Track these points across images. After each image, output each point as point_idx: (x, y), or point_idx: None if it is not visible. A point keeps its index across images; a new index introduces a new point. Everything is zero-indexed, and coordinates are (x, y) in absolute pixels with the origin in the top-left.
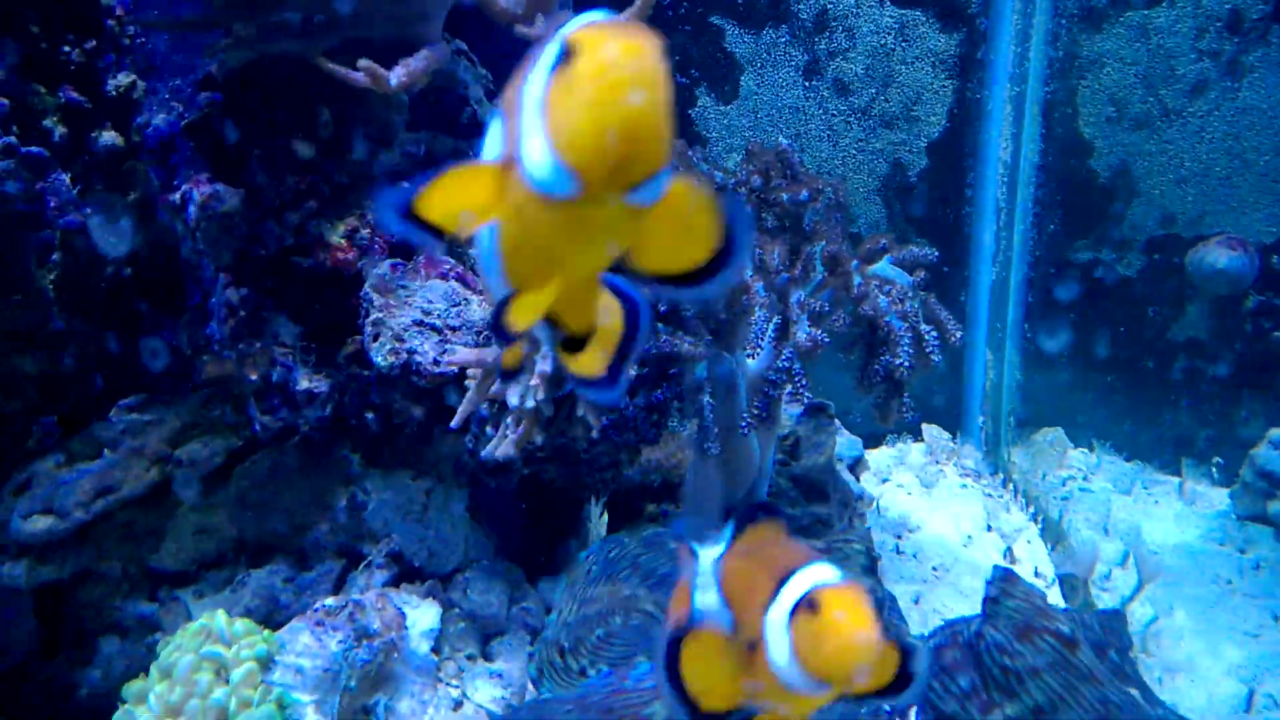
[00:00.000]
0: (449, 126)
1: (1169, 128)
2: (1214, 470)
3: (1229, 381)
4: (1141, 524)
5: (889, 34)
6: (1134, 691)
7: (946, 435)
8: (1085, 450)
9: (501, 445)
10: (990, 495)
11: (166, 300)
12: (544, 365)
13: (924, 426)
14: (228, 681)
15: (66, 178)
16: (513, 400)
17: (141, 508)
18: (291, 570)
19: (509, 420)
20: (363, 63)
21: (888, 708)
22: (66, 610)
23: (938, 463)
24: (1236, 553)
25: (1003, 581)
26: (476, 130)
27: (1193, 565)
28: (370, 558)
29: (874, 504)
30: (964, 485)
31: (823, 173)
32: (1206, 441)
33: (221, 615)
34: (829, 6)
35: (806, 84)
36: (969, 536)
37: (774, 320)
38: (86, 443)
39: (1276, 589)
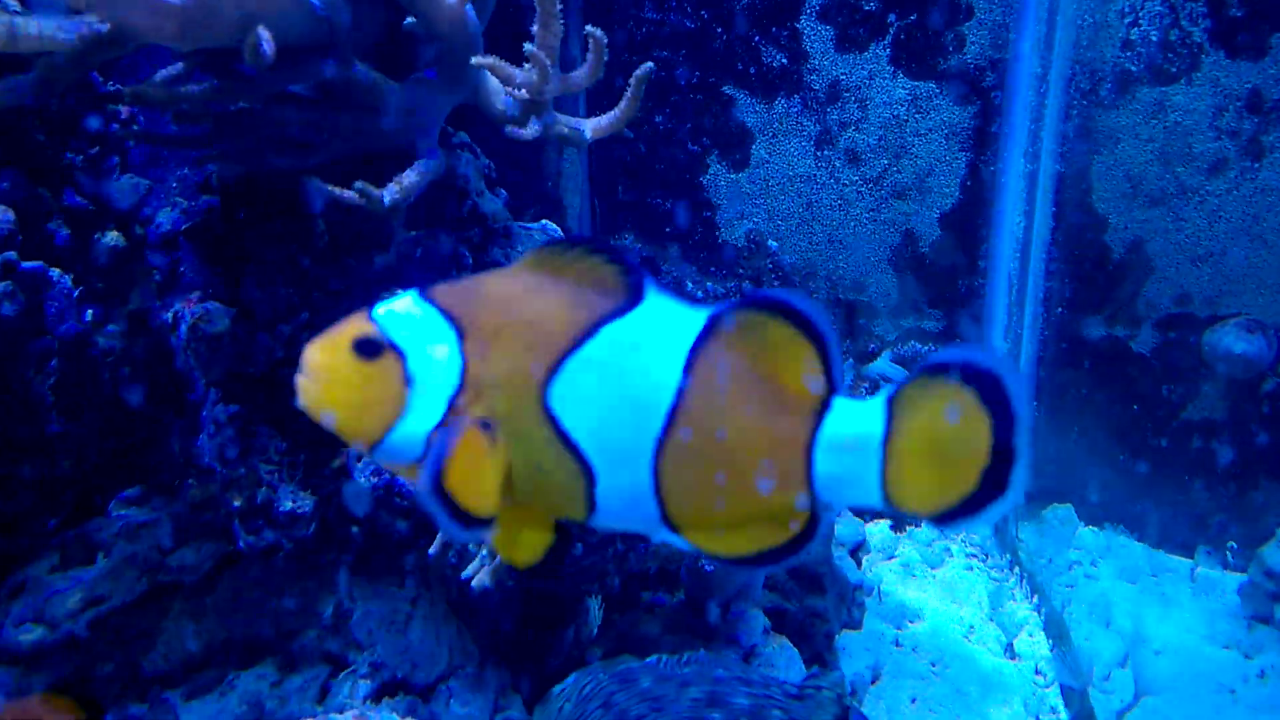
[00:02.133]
0: (449, 221)
1: (1185, 205)
2: (1228, 555)
3: (1244, 465)
4: (1146, 619)
5: (902, 105)
6: None
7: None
8: (1095, 529)
9: (479, 575)
10: (996, 580)
11: (167, 397)
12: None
13: None
14: None
15: (70, 280)
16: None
17: (133, 612)
18: (278, 674)
19: (485, 550)
20: (357, 185)
21: None
22: None
23: (944, 540)
24: (1242, 658)
25: None
26: (477, 221)
27: (1196, 670)
28: (355, 666)
29: (874, 592)
30: (969, 567)
31: (833, 241)
32: (1219, 526)
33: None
34: (841, 78)
35: (818, 153)
36: (971, 627)
37: None
38: (82, 544)
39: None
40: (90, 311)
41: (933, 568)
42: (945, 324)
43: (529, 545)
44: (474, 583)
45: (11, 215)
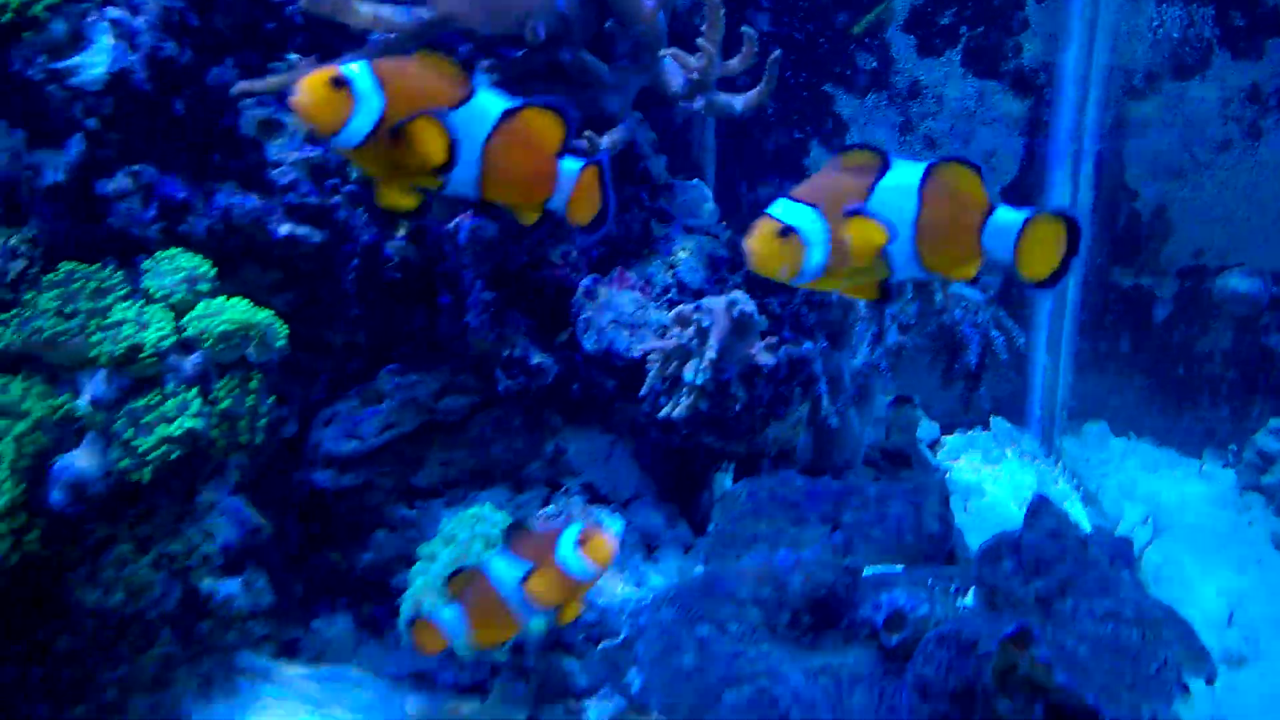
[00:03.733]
0: (629, 177)
1: (1199, 178)
2: (1229, 456)
3: (1244, 385)
4: (1162, 492)
5: (970, 99)
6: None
7: (1010, 426)
8: (1124, 439)
9: (676, 409)
10: (1042, 471)
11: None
12: (710, 354)
13: (991, 418)
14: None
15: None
16: (688, 376)
17: (408, 441)
18: (510, 493)
19: (684, 390)
20: (587, 133)
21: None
22: (338, 511)
23: (1001, 447)
24: (1236, 514)
25: (1040, 502)
26: (647, 177)
27: (1200, 521)
28: (568, 487)
29: (946, 475)
30: (1022, 465)
31: None
32: (1223, 435)
33: (490, 506)
34: (920, 77)
35: (901, 139)
36: (1022, 501)
37: (871, 329)
38: (374, 392)
39: (1263, 541)
40: (377, 230)
41: (992, 465)
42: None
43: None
44: (675, 414)
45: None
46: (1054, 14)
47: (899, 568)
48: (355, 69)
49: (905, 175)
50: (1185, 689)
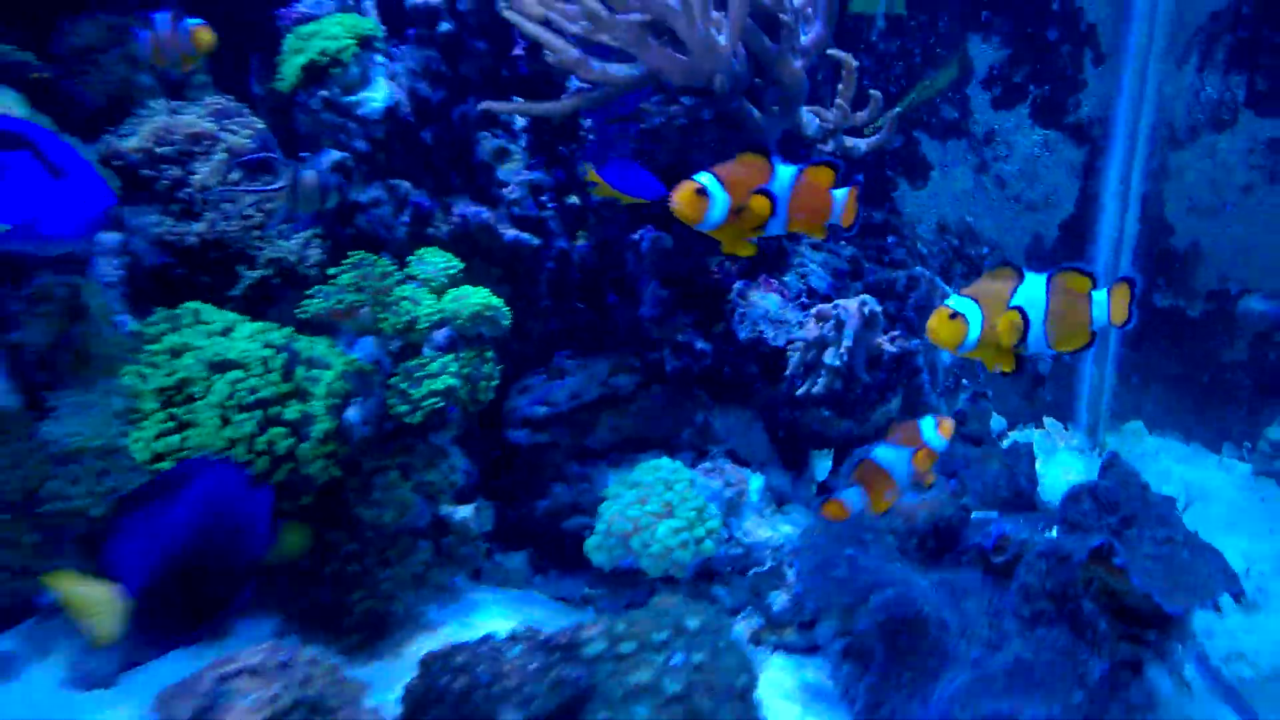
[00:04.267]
0: None
1: (1227, 216)
2: (1244, 450)
3: (1261, 391)
4: (1190, 479)
5: (1036, 146)
6: None
7: (1060, 425)
8: (1158, 436)
9: (815, 387)
10: (1090, 461)
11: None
12: (847, 341)
13: (1045, 419)
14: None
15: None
16: (828, 359)
17: (586, 410)
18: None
19: (822, 371)
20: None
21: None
22: (526, 465)
23: (1054, 442)
24: (1251, 494)
25: (1112, 457)
26: None
27: (1221, 500)
28: (713, 453)
29: None
30: (1071, 454)
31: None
32: (1239, 432)
33: (666, 459)
34: (995, 127)
35: (976, 178)
36: (1070, 482)
37: None
38: (554, 371)
39: (1276, 516)
40: (566, 240)
41: (1047, 455)
42: None
43: None
44: (814, 391)
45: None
46: (1109, 77)
47: (994, 514)
48: (706, 179)
49: (1035, 284)
50: (1217, 607)
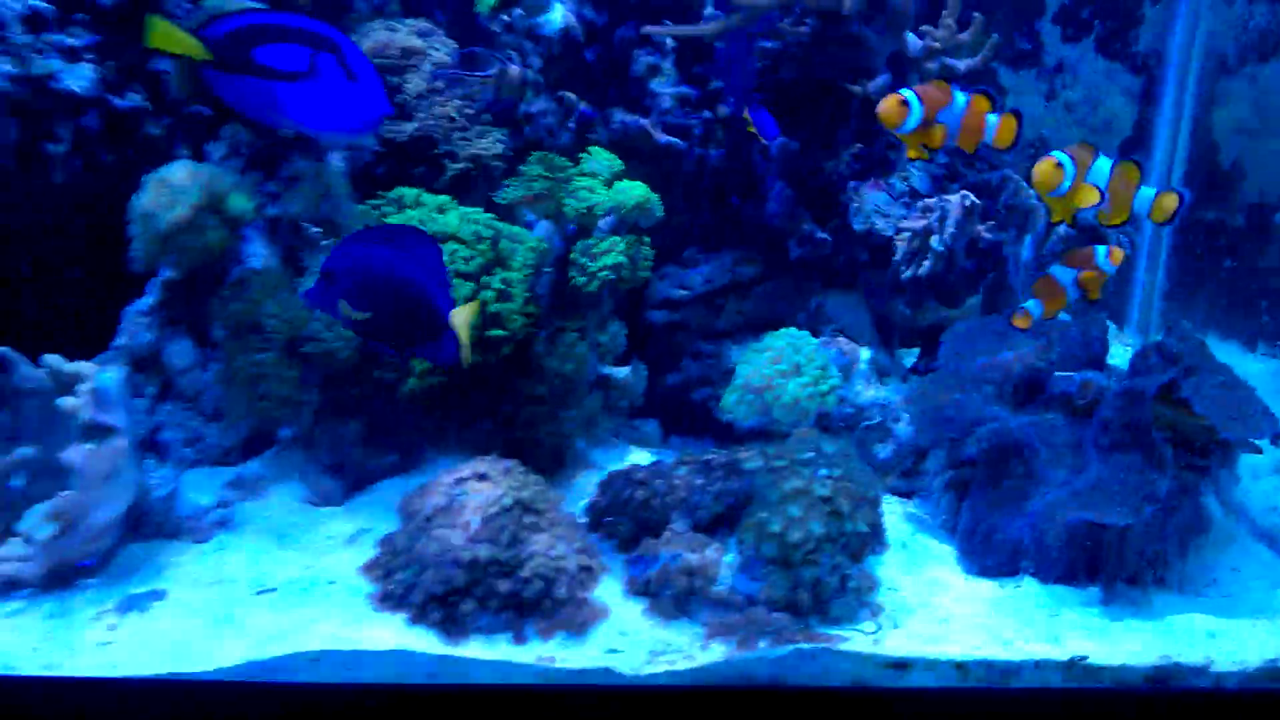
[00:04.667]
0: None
1: (1267, 137)
2: (1276, 349)
3: None
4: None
5: (1099, 75)
6: None
7: (1115, 326)
8: (1201, 335)
9: (921, 268)
10: None
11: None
12: (951, 228)
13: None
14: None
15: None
16: (934, 244)
17: (715, 294)
18: None
19: (929, 255)
20: (855, 88)
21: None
22: (663, 341)
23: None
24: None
25: (1175, 322)
26: None
27: (1258, 380)
28: (825, 331)
29: None
30: (1125, 349)
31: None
32: (1270, 332)
33: (793, 329)
34: (1064, 58)
35: (1046, 104)
36: None
37: (1040, 230)
38: (688, 261)
39: None
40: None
41: None
42: None
43: None
44: (921, 272)
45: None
46: (1165, 11)
47: (1074, 374)
48: (908, 94)
49: (1103, 163)
50: (1259, 449)
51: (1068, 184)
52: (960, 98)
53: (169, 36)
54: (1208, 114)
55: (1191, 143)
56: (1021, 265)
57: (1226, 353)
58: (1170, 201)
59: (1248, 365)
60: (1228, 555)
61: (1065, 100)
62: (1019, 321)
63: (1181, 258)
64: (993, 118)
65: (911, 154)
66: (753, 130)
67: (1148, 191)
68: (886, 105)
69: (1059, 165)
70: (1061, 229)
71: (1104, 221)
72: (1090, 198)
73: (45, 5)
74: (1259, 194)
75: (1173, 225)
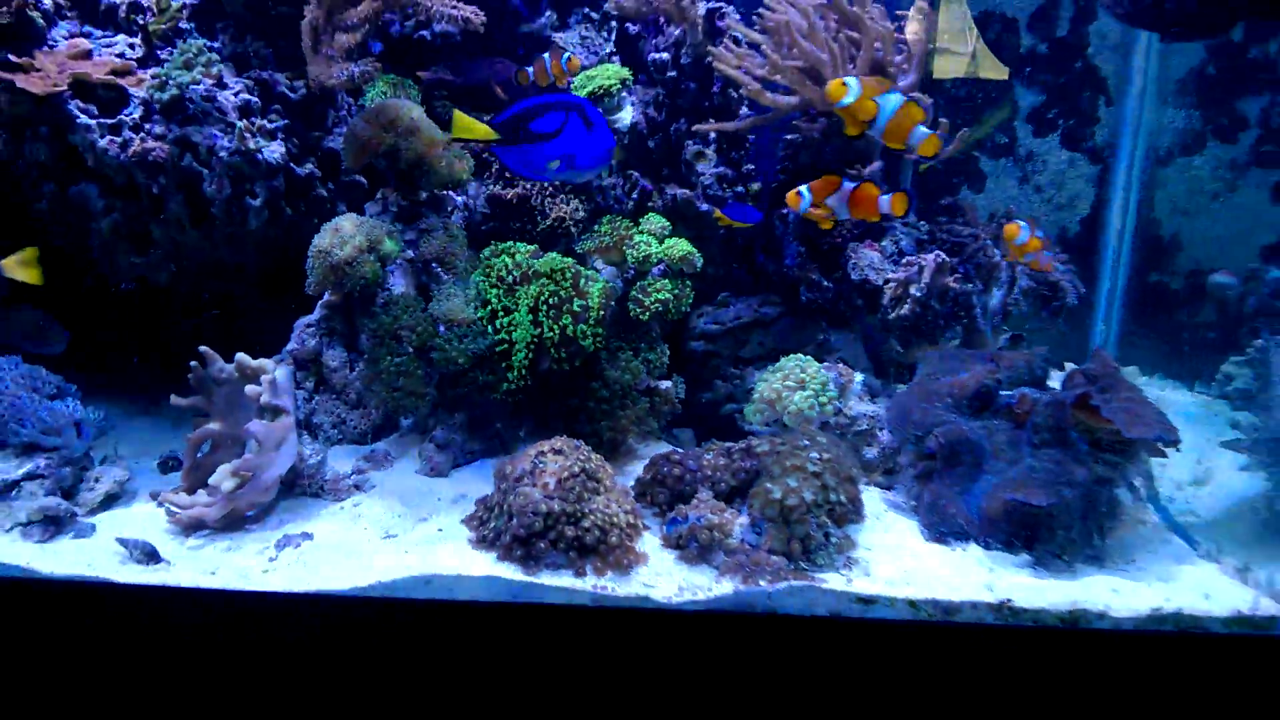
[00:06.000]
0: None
1: (1200, 215)
2: (1210, 388)
3: (1223, 345)
4: (1167, 399)
5: (1063, 163)
6: None
7: (1076, 367)
8: (1146, 378)
9: (902, 310)
10: None
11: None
12: (926, 279)
13: (1065, 363)
14: (804, 370)
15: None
16: (913, 292)
17: (742, 329)
18: None
19: (909, 301)
20: (852, 171)
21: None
22: (698, 367)
23: None
24: (1208, 411)
25: (1098, 349)
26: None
27: (1185, 415)
28: (829, 361)
29: None
30: None
31: None
32: (1207, 374)
33: (801, 355)
34: (1034, 149)
35: (1019, 187)
36: None
37: (1006, 280)
38: (718, 303)
39: (1223, 424)
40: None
41: None
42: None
43: None
44: (903, 312)
45: (723, 172)
46: (1116, 112)
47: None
48: (850, 80)
49: (894, 101)
50: (1161, 451)
51: (851, 99)
52: (895, 97)
53: (469, 128)
54: (1151, 196)
55: (1138, 219)
56: (990, 311)
57: (1170, 390)
58: (936, 143)
59: (1185, 400)
60: (1149, 544)
61: (1035, 184)
62: (790, 199)
63: (1134, 311)
64: (922, 128)
65: (849, 130)
66: (727, 221)
67: (923, 131)
68: (833, 83)
69: (844, 84)
70: (1023, 282)
71: (886, 142)
72: (868, 109)
73: (254, 99)
74: (1195, 262)
75: (935, 162)
